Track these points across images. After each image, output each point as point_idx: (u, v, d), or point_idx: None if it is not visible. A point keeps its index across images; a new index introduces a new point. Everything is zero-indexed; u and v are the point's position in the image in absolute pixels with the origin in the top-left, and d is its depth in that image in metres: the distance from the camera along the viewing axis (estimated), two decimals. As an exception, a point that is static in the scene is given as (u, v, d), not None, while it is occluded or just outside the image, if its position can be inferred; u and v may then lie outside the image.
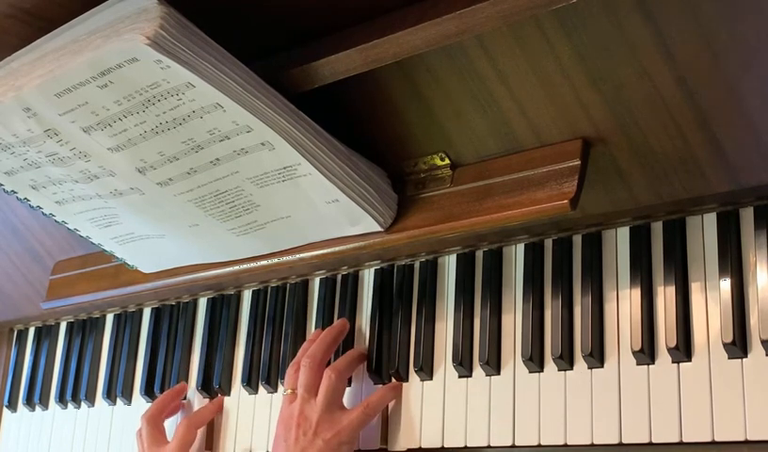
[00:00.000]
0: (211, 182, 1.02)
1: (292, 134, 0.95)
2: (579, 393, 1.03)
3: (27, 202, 1.12)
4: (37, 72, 0.92)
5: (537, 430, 1.05)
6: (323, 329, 1.24)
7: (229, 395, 1.35)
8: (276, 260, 1.14)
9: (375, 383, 1.20)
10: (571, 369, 1.04)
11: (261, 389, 1.31)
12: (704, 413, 0.95)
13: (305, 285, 1.31)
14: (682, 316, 0.99)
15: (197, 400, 1.38)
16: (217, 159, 0.99)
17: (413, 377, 1.16)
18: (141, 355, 1.47)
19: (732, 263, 0.97)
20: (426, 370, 1.15)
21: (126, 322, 1.52)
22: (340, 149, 1.01)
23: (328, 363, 1.19)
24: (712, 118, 0.90)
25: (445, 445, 1.11)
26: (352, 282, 1.25)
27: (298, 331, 1.29)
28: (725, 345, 0.95)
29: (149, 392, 1.43)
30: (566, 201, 0.94)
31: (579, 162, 0.95)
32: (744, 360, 0.94)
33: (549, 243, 1.10)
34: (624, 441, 0.99)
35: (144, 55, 0.85)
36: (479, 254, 1.15)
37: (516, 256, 1.12)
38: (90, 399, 1.52)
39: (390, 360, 1.19)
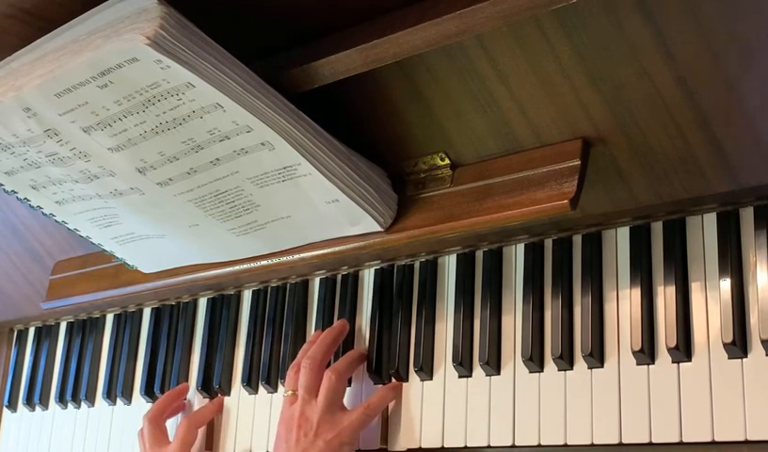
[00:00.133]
0: (211, 182, 1.02)
1: (292, 134, 0.95)
2: (579, 393, 1.03)
3: (27, 202, 1.12)
4: (37, 72, 0.92)
5: (537, 430, 1.05)
6: (323, 330, 1.24)
7: (229, 395, 1.35)
8: (276, 260, 1.14)
9: (375, 383, 1.20)
10: (571, 369, 1.04)
11: (261, 389, 1.31)
12: (704, 413, 0.95)
13: (305, 285, 1.31)
14: (682, 316, 0.99)
15: (197, 400, 1.38)
16: (217, 159, 0.99)
17: (413, 377, 1.16)
18: (141, 355, 1.47)
19: (732, 263, 0.97)
20: (426, 370, 1.15)
21: (126, 322, 1.52)
22: (340, 149, 1.01)
23: (329, 364, 1.19)
24: (711, 118, 0.90)
25: (445, 445, 1.11)
26: (352, 282, 1.25)
27: (298, 332, 1.29)
28: (725, 345, 0.95)
29: (149, 392, 1.43)
30: (566, 201, 0.94)
31: (579, 162, 0.95)
32: (744, 360, 0.94)
33: (549, 243, 1.10)
34: (624, 441, 0.99)
35: (144, 55, 0.85)
36: (479, 254, 1.15)
37: (516, 256, 1.12)
38: (90, 399, 1.52)
39: (390, 360, 1.19)
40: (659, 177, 0.96)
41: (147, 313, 1.49)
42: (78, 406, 1.54)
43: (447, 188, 1.05)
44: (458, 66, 0.96)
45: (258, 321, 1.34)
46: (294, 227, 1.09)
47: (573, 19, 0.88)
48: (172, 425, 1.35)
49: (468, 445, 1.09)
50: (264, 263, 1.15)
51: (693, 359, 0.98)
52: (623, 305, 1.03)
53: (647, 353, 0.99)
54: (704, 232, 1.00)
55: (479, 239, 1.13)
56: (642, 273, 1.02)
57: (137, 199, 1.07)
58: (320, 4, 0.97)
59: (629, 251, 1.04)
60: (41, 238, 1.45)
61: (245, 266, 1.17)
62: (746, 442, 0.92)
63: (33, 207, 1.13)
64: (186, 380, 1.40)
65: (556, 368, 1.05)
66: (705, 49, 0.85)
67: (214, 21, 0.92)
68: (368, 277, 1.25)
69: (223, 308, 1.39)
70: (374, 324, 1.21)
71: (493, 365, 1.09)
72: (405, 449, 1.15)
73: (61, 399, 1.56)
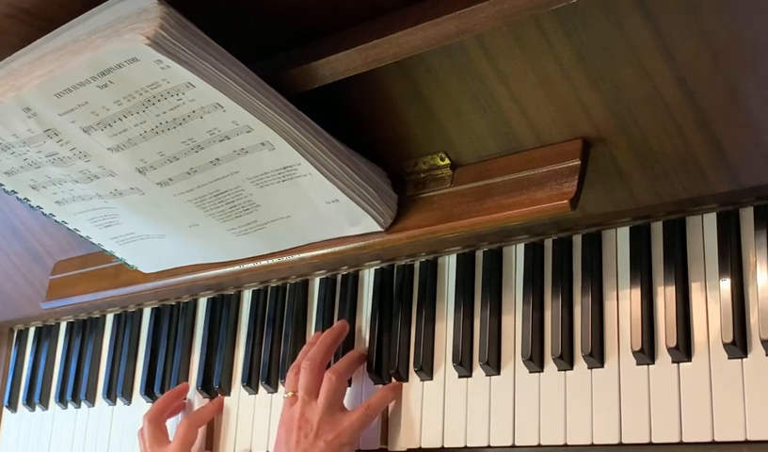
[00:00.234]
0: (211, 182, 1.02)
1: (292, 134, 0.95)
2: (579, 393, 1.03)
3: (27, 202, 1.12)
4: (37, 72, 0.92)
5: (537, 430, 1.05)
6: (323, 330, 1.24)
7: (229, 395, 1.35)
8: (276, 260, 1.14)
9: (375, 383, 1.20)
10: (571, 369, 1.04)
11: (261, 389, 1.31)
12: (704, 413, 0.95)
13: (305, 285, 1.31)
14: (682, 316, 0.99)
15: (197, 400, 1.38)
16: (217, 159, 0.99)
17: (413, 377, 1.16)
18: (141, 355, 1.47)
19: (732, 263, 0.97)
20: (426, 370, 1.15)
21: (126, 322, 1.52)
22: (340, 149, 1.01)
23: (329, 365, 1.19)
24: (711, 118, 0.90)
25: (445, 446, 1.11)
26: (352, 282, 1.25)
27: (298, 332, 1.29)
28: (725, 345, 0.95)
29: (149, 392, 1.43)
30: (566, 201, 0.94)
31: (579, 162, 0.95)
32: (744, 360, 0.94)
33: (549, 243, 1.10)
34: (624, 441, 0.99)
35: (144, 55, 0.85)
36: (479, 254, 1.15)
37: (516, 256, 1.12)
38: (90, 399, 1.52)
39: (390, 360, 1.19)
40: (659, 177, 0.96)
41: (147, 313, 1.49)
42: (78, 406, 1.54)
43: (447, 188, 1.05)
44: (458, 66, 0.96)
45: (258, 321, 1.34)
46: (294, 227, 1.09)
47: (573, 19, 0.88)
48: (172, 424, 1.35)
49: (468, 445, 1.09)
50: (264, 263, 1.15)
51: (693, 359, 0.98)
52: (623, 305, 1.03)
53: (647, 353, 0.99)
54: (704, 232, 1.00)
55: (479, 239, 1.13)
56: (642, 273, 1.02)
57: (137, 199, 1.07)
58: (320, 4, 0.97)
59: (629, 251, 1.04)
60: (41, 238, 1.45)
61: (245, 266, 1.17)
62: (746, 442, 0.92)
63: (33, 207, 1.13)
64: (186, 380, 1.40)
65: (556, 368, 1.05)
66: (705, 49, 0.85)
67: (214, 21, 0.92)
68: (368, 277, 1.25)
69: (223, 308, 1.39)
70: (374, 324, 1.21)
71: (493, 365, 1.09)
72: (405, 449, 1.15)
73: (61, 399, 1.56)
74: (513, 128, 0.99)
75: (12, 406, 1.64)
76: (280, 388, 1.28)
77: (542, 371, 1.06)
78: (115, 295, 1.33)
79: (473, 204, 1.01)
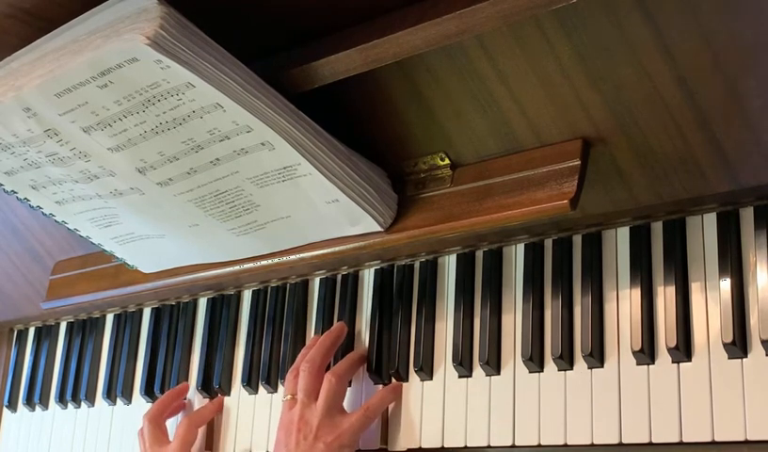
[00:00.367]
0: (211, 182, 1.02)
1: (292, 134, 0.95)
2: (579, 393, 1.03)
3: (27, 202, 1.12)
4: (37, 72, 0.92)
5: (537, 430, 1.05)
6: (323, 330, 1.24)
7: (229, 395, 1.35)
8: (276, 260, 1.14)
9: (375, 383, 1.20)
10: (571, 369, 1.04)
11: (261, 389, 1.31)
12: (704, 413, 0.95)
13: (305, 285, 1.31)
14: (682, 316, 0.99)
15: (197, 400, 1.38)
16: (217, 159, 0.99)
17: (413, 377, 1.16)
18: (141, 355, 1.47)
19: (732, 263, 0.97)
20: (426, 370, 1.15)
21: (126, 322, 1.52)
22: (340, 149, 1.01)
23: (328, 367, 1.19)
24: (711, 118, 0.90)
25: (445, 445, 1.11)
26: (352, 282, 1.25)
27: (298, 332, 1.29)
28: (725, 345, 0.95)
29: (149, 392, 1.43)
30: (566, 201, 0.94)
31: (579, 162, 0.95)
32: (744, 360, 0.94)
33: (549, 243, 1.10)
34: (624, 441, 0.99)
35: (144, 55, 0.85)
36: (479, 254, 1.15)
37: (516, 256, 1.12)
38: (90, 399, 1.52)
39: (390, 360, 1.19)
40: (659, 177, 0.96)
41: (147, 313, 1.49)
42: (78, 406, 1.54)
43: (447, 188, 1.05)
44: (458, 66, 0.96)
45: (258, 321, 1.34)
46: (294, 227, 1.09)
47: (573, 19, 0.88)
48: (172, 424, 1.35)
49: (468, 445, 1.09)
50: (264, 263, 1.15)
51: (693, 359, 0.98)
52: (623, 305, 1.03)
53: (647, 353, 0.99)
54: (704, 232, 1.00)
55: (479, 239, 1.13)
56: (642, 273, 1.02)
57: (137, 199, 1.07)
58: (320, 4, 0.97)
59: (629, 251, 1.04)
60: (41, 238, 1.45)
61: (245, 266, 1.17)
62: (746, 442, 0.92)
63: (33, 207, 1.13)
64: (186, 380, 1.40)
65: (556, 368, 1.05)
66: (705, 49, 0.85)
67: (214, 21, 0.92)
68: (368, 277, 1.25)
69: (223, 308, 1.39)
70: (374, 324, 1.21)
71: (493, 365, 1.09)
72: (405, 449, 1.15)
73: (61, 399, 1.56)
74: (513, 128, 0.99)
75: (12, 406, 1.64)
76: (280, 388, 1.28)
77: (542, 371, 1.06)
78: (115, 295, 1.33)
79: (473, 204, 1.01)
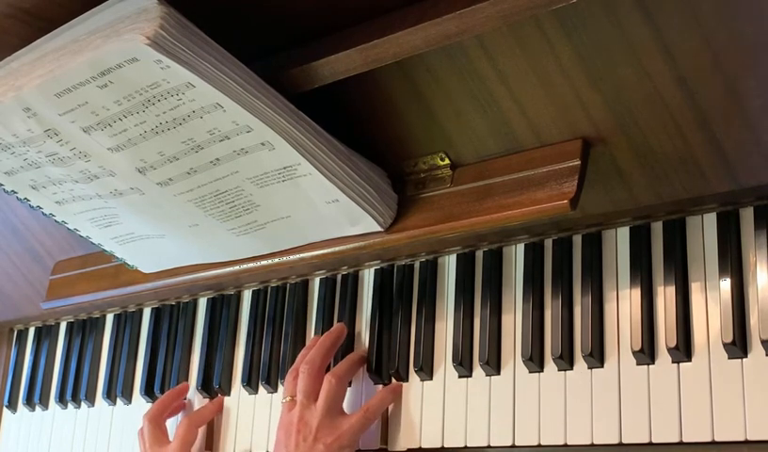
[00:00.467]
0: (211, 182, 1.02)
1: (292, 134, 0.95)
2: (579, 393, 1.03)
3: (27, 202, 1.12)
4: (37, 72, 0.92)
5: (537, 430, 1.05)
6: (323, 330, 1.24)
7: (229, 395, 1.35)
8: (276, 260, 1.14)
9: (375, 383, 1.20)
10: (571, 369, 1.04)
11: (261, 389, 1.31)
12: (704, 413, 0.95)
13: (305, 285, 1.31)
14: (682, 316, 0.99)
15: (197, 400, 1.38)
16: (217, 159, 0.99)
17: (413, 377, 1.16)
18: (141, 355, 1.47)
19: (732, 263, 0.97)
20: (426, 370, 1.14)
21: (126, 322, 1.52)
22: (340, 149, 1.01)
23: (328, 368, 1.19)
24: (711, 118, 0.90)
25: (445, 445, 1.11)
26: (352, 282, 1.25)
27: (298, 332, 1.29)
28: (725, 345, 0.95)
29: (149, 392, 1.43)
30: (566, 201, 0.94)
31: (579, 162, 0.95)
32: (744, 360, 0.94)
33: (549, 243, 1.10)
34: (624, 441, 0.99)
35: (144, 55, 0.85)
36: (479, 254, 1.15)
37: (516, 256, 1.12)
38: (90, 399, 1.52)
39: (390, 360, 1.19)
40: (659, 177, 0.96)
41: (147, 313, 1.49)
42: (78, 406, 1.54)
43: (447, 188, 1.05)
44: (458, 66, 0.96)
45: (258, 321, 1.34)
46: (294, 227, 1.09)
47: (573, 19, 0.88)
48: (172, 424, 1.35)
49: (468, 445, 1.09)
50: (264, 263, 1.15)
51: (693, 359, 0.98)
52: (623, 305, 1.03)
53: (647, 353, 0.99)
54: (704, 232, 1.00)
55: (479, 239, 1.13)
56: (642, 273, 1.02)
57: (137, 199, 1.07)
58: (320, 4, 0.97)
59: (629, 251, 1.04)
60: (41, 238, 1.45)
61: (245, 266, 1.17)
62: (746, 442, 0.92)
63: (33, 207, 1.13)
64: (186, 380, 1.40)
65: (556, 368, 1.05)
66: (705, 49, 0.85)
67: (214, 21, 0.92)
68: (368, 277, 1.25)
69: (223, 308, 1.39)
70: (374, 324, 1.21)
71: (493, 365, 1.09)
72: (405, 449, 1.15)
73: (61, 399, 1.56)
74: (513, 128, 0.99)
75: (12, 406, 1.64)
76: (280, 388, 1.28)
77: (542, 371, 1.06)
78: (115, 295, 1.33)
79: (473, 204, 1.01)
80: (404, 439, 1.15)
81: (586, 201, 0.99)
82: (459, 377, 1.12)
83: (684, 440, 0.95)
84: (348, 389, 1.21)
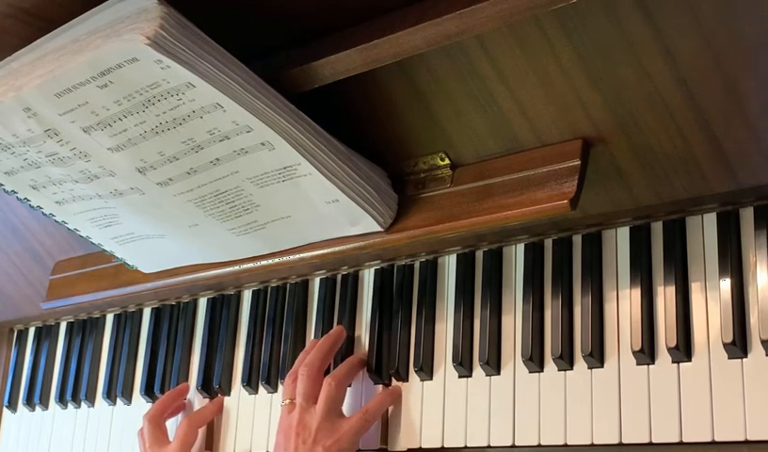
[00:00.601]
0: (211, 182, 1.02)
1: (292, 134, 0.95)
2: (579, 393, 1.03)
3: (27, 202, 1.12)
4: (37, 72, 0.92)
5: (537, 430, 1.05)
6: (323, 330, 1.24)
7: (229, 395, 1.35)
8: (276, 260, 1.14)
9: (375, 383, 1.19)
10: (571, 369, 1.04)
11: (261, 389, 1.31)
12: (704, 413, 0.95)
13: (305, 285, 1.31)
14: (682, 316, 0.99)
15: (197, 400, 1.38)
16: (217, 159, 0.99)
17: (413, 377, 1.16)
18: (141, 355, 1.47)
19: (732, 263, 0.97)
20: (426, 370, 1.14)
21: (126, 322, 1.52)
22: (340, 149, 1.01)
23: (327, 371, 1.19)
24: (712, 118, 0.90)
25: (445, 445, 1.11)
26: (352, 282, 1.25)
27: (298, 332, 1.29)
28: (725, 345, 0.95)
29: (149, 392, 1.43)
30: (566, 201, 0.94)
31: (579, 162, 0.95)
32: (744, 360, 0.94)
33: (549, 243, 1.10)
34: (624, 441, 0.99)
35: (144, 55, 0.85)
36: (479, 254, 1.15)
37: (516, 256, 1.12)
38: (90, 399, 1.52)
39: (390, 360, 1.19)
40: (659, 177, 0.96)
41: (147, 313, 1.49)
42: (78, 406, 1.54)
43: (447, 188, 1.05)
44: (458, 66, 0.96)
45: (258, 321, 1.34)
46: (294, 227, 1.09)
47: (573, 19, 0.88)
48: (172, 425, 1.35)
49: (468, 445, 1.09)
50: (264, 263, 1.15)
51: (693, 359, 0.98)
52: (623, 305, 1.03)
53: (647, 353, 0.99)
54: (704, 232, 1.00)
55: (479, 239, 1.13)
56: (642, 273, 1.02)
57: (137, 199, 1.07)
58: (320, 4, 0.97)
59: (629, 251, 1.04)
60: (41, 238, 1.45)
61: (245, 266, 1.17)
62: (746, 442, 0.92)
63: (33, 207, 1.13)
64: (186, 380, 1.40)
65: (556, 368, 1.05)
66: (705, 49, 0.85)
67: (214, 21, 0.92)
68: (368, 277, 1.25)
69: (223, 308, 1.39)
70: (374, 324, 1.21)
71: (493, 365, 1.09)
72: (405, 449, 1.15)
73: (61, 399, 1.56)
74: (513, 128, 0.99)
75: (12, 406, 1.64)
76: (280, 388, 1.28)
77: (542, 371, 1.06)
78: (115, 295, 1.33)
79: (473, 204, 1.01)
80: (404, 439, 1.15)
81: (586, 201, 0.99)
82: (459, 377, 1.12)
83: (684, 440, 0.95)
84: (348, 389, 1.20)
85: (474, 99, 0.98)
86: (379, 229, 1.05)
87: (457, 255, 1.17)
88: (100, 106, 0.93)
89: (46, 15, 0.97)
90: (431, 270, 1.18)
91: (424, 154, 1.07)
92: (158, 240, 1.17)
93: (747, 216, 0.98)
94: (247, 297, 1.37)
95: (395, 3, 0.93)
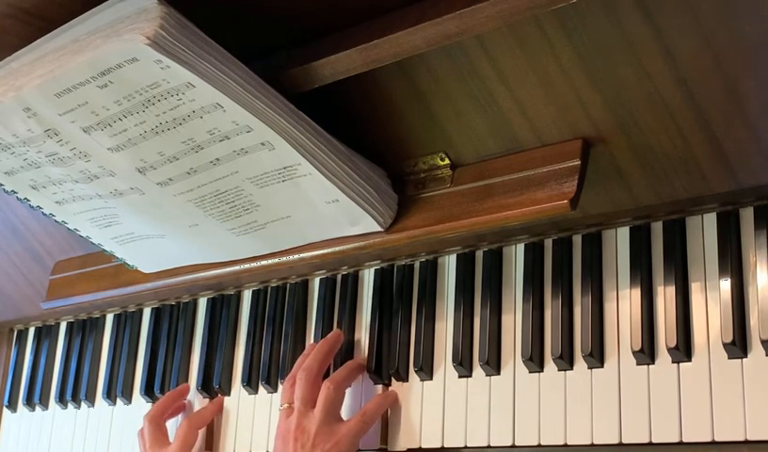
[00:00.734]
0: (211, 182, 1.02)
1: (292, 134, 0.95)
2: (579, 393, 1.03)
3: (27, 202, 1.12)
4: (37, 72, 0.92)
5: (537, 430, 1.05)
6: (323, 330, 1.24)
7: (229, 395, 1.35)
8: (276, 260, 1.14)
9: (375, 383, 1.19)
10: (571, 369, 1.04)
11: (261, 389, 1.31)
12: (704, 413, 0.95)
13: (305, 285, 1.31)
14: (682, 316, 0.99)
15: (197, 400, 1.38)
16: (217, 159, 0.99)
17: (413, 377, 1.16)
18: (141, 355, 1.47)
19: (732, 263, 0.97)
20: (426, 370, 1.14)
21: (126, 322, 1.52)
22: (340, 149, 1.01)
23: (327, 374, 1.19)
24: (712, 118, 0.90)
25: (445, 445, 1.11)
26: (352, 282, 1.25)
27: (298, 332, 1.29)
28: (725, 345, 0.95)
29: (149, 392, 1.43)
30: (566, 201, 0.94)
31: (579, 162, 0.95)
32: (744, 360, 0.94)
33: (549, 243, 1.10)
34: (624, 441, 0.99)
35: (144, 55, 0.85)
36: (479, 254, 1.15)
37: (516, 256, 1.12)
38: (90, 399, 1.52)
39: (390, 360, 1.19)
40: (659, 177, 0.96)
41: (147, 313, 1.49)
42: (78, 406, 1.54)
43: (447, 188, 1.05)
44: (458, 66, 0.96)
45: (258, 321, 1.34)
46: (294, 227, 1.09)
47: (573, 19, 0.88)
48: (173, 426, 1.35)
49: (468, 445, 1.09)
50: (264, 263, 1.15)
51: (693, 359, 0.98)
52: (623, 305, 1.03)
53: (647, 353, 0.99)
54: (704, 232, 1.00)
55: (479, 239, 1.13)
56: (642, 273, 1.02)
57: (137, 199, 1.07)
58: (320, 4, 0.97)
59: (629, 251, 1.04)
60: (41, 238, 1.45)
61: (245, 266, 1.17)
62: (746, 442, 0.92)
63: (33, 207, 1.13)
64: (186, 380, 1.40)
65: (556, 368, 1.05)
66: (705, 49, 0.85)
67: (214, 21, 0.92)
68: (368, 277, 1.25)
69: (223, 308, 1.39)
70: (374, 324, 1.21)
71: (493, 365, 1.09)
72: (405, 449, 1.15)
73: (61, 399, 1.56)
74: (513, 128, 0.99)
75: (12, 406, 1.64)
76: (280, 388, 1.27)
77: (542, 371, 1.06)
78: (115, 295, 1.33)
79: (473, 204, 1.01)
80: (404, 439, 1.15)
81: (586, 201, 0.99)
82: (459, 377, 1.12)
83: (684, 440, 0.95)
84: (348, 390, 1.20)
85: (474, 99, 0.98)
86: (379, 229, 1.05)
87: (457, 255, 1.17)
88: (100, 106, 0.93)
89: (46, 15, 0.97)
90: (431, 270, 1.18)
91: (423, 154, 1.07)
92: (158, 240, 1.17)
93: (747, 216, 0.98)
94: (247, 297, 1.37)
95: (395, 3, 0.93)
